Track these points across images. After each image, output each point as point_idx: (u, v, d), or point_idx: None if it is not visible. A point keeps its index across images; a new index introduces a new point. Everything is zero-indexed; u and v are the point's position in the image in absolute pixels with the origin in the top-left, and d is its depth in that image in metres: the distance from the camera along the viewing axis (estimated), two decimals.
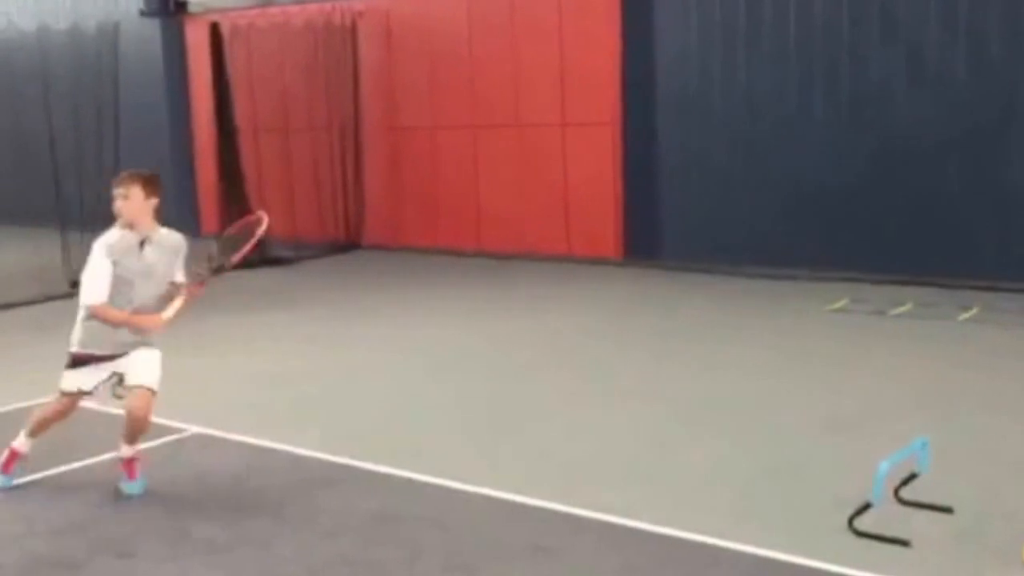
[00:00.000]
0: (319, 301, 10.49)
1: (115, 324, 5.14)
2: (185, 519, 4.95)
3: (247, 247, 5.54)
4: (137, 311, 5.16)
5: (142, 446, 5.38)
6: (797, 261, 10.57)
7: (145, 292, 5.19)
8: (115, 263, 5.11)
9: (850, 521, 4.47)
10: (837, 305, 9.20)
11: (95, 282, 5.13)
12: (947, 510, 4.65)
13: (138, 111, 14.57)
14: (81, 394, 5.31)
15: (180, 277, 5.38)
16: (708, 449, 5.72)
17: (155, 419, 6.38)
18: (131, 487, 5.30)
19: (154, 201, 5.23)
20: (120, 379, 5.26)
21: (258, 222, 5.63)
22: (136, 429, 5.28)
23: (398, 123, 13.49)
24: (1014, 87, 9.61)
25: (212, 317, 9.86)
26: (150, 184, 5.23)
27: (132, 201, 5.16)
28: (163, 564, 4.49)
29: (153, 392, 5.22)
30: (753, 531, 4.53)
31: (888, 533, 4.38)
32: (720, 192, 11.28)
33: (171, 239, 5.35)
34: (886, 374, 7.17)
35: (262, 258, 12.76)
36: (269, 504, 5.11)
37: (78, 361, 5.24)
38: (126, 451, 5.32)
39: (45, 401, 5.48)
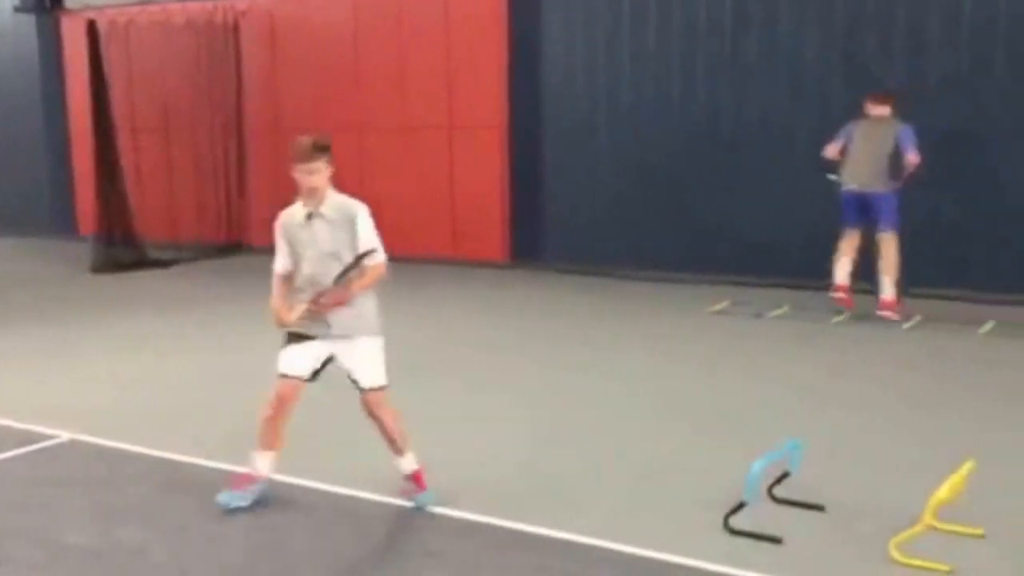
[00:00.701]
0: (197, 304, 10.27)
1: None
2: (57, 526, 4.78)
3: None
4: (316, 291, 4.81)
5: (8, 453, 5.17)
6: (680, 265, 10.78)
7: (319, 269, 4.82)
8: (288, 239, 4.91)
9: (725, 520, 4.56)
10: (718, 307, 9.41)
11: (276, 253, 5.00)
12: (819, 508, 4.78)
13: (13, 109, 14.05)
14: (294, 381, 4.87)
15: (364, 249, 4.80)
16: (588, 450, 5.77)
17: (24, 425, 6.23)
18: (423, 498, 4.93)
19: (332, 168, 4.89)
20: (329, 360, 4.89)
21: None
22: (385, 434, 4.95)
23: (282, 124, 13.29)
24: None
25: (86, 320, 9.56)
26: (330, 150, 4.87)
27: (323, 175, 4.82)
28: (35, 571, 4.34)
29: (381, 389, 4.91)
30: (631, 531, 4.59)
31: (762, 531, 4.49)
32: (605, 196, 11.44)
33: (346, 208, 4.86)
34: (762, 375, 7.36)
35: (139, 260, 12.47)
36: (142, 510, 4.97)
37: (290, 338, 4.92)
38: (404, 465, 4.99)
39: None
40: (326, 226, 4.84)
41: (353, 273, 4.79)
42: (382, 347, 4.94)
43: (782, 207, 10.34)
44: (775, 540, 4.44)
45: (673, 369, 7.56)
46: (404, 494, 4.98)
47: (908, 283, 9.03)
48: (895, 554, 4.26)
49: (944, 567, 4.15)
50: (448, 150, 12.27)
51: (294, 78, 13.15)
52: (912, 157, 8.52)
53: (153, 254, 12.58)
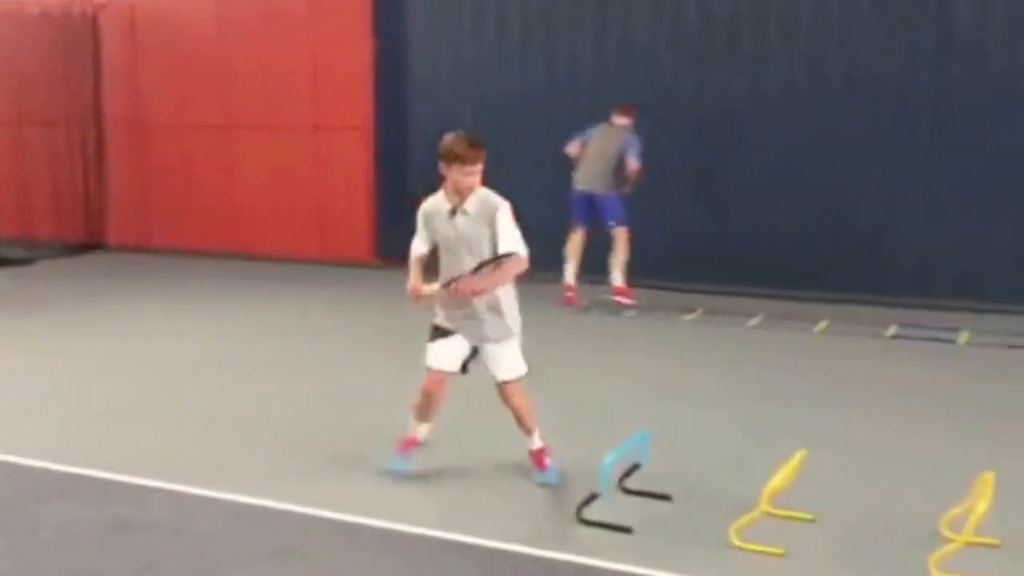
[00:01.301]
0: (51, 304, 10.00)
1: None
2: None
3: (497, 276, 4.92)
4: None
5: None
6: (548, 265, 10.98)
7: (458, 264, 4.93)
8: (429, 229, 5.05)
9: (578, 512, 4.77)
10: (582, 304, 9.68)
11: (416, 236, 5.12)
12: (666, 498, 5.05)
13: None
14: (443, 375, 5.10)
15: (506, 247, 4.87)
16: (434, 448, 5.90)
17: None
18: (545, 477, 5.19)
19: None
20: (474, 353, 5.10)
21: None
22: (520, 419, 5.19)
23: (145, 120, 13.02)
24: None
25: None
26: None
27: (480, 174, 4.94)
28: None
29: (517, 380, 5.13)
30: (486, 525, 4.75)
31: (613, 521, 4.72)
32: None
33: (487, 204, 4.95)
34: (617, 369, 7.65)
35: None
36: None
37: (435, 332, 5.10)
38: (532, 443, 5.24)
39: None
40: (467, 221, 4.94)
41: (488, 268, 4.89)
42: (518, 344, 5.19)
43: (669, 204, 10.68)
44: (625, 530, 4.67)
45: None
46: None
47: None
48: (734, 540, 4.54)
49: (778, 550, 4.45)
50: (314, 150, 12.25)
51: (156, 73, 12.89)
52: (632, 164, 9.30)
53: (4, 252, 12.17)
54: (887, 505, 5.01)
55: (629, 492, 5.08)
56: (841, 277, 10.07)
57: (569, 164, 9.69)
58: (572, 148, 9.65)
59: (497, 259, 4.87)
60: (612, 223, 9.54)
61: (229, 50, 12.45)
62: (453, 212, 4.97)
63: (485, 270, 4.87)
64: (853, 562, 4.42)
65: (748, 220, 10.34)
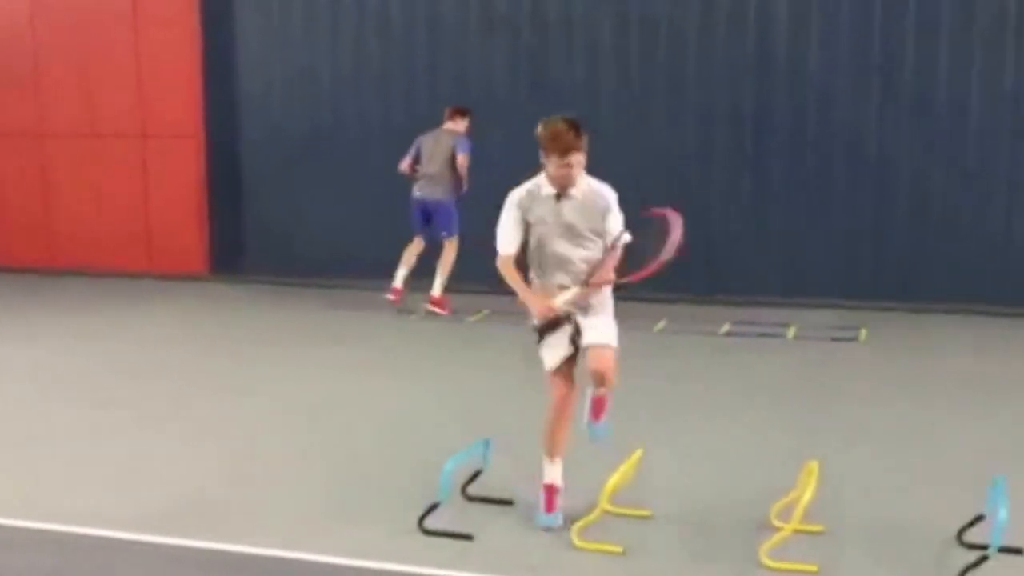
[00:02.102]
0: None
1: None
2: None
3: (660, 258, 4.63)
4: (560, 281, 4.65)
5: None
6: (383, 273, 10.91)
7: (566, 251, 4.63)
8: (527, 215, 4.65)
9: (419, 521, 4.72)
10: (421, 314, 9.64)
11: (502, 230, 4.70)
12: (508, 503, 5.05)
13: None
14: (564, 374, 4.71)
15: (614, 239, 4.63)
16: (281, 458, 5.78)
17: None
18: (596, 431, 4.82)
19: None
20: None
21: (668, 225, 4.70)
22: (601, 383, 4.73)
23: None
24: None
25: None
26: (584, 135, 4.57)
27: (583, 163, 4.58)
28: None
29: (612, 348, 4.70)
30: (324, 540, 4.65)
31: (455, 529, 4.69)
32: (305, 205, 11.40)
33: (598, 194, 4.64)
34: (458, 376, 7.64)
35: None
36: None
37: (539, 331, 4.73)
38: (596, 391, 4.76)
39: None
40: (575, 208, 4.65)
41: (607, 256, 4.66)
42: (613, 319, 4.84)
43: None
44: (467, 537, 4.65)
45: (370, 377, 7.68)
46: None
47: None
48: (576, 540, 4.58)
49: (617, 548, 4.51)
50: (141, 160, 11.80)
51: None
52: (461, 159, 9.37)
53: None
54: (721, 498, 5.16)
55: (471, 499, 5.07)
56: (676, 279, 10.32)
57: (408, 179, 9.67)
58: (404, 165, 9.67)
59: (615, 243, 4.68)
60: (444, 234, 9.61)
61: (44, 52, 11.87)
62: (558, 197, 4.65)
63: (606, 257, 4.67)
64: (690, 555, 4.53)
65: None
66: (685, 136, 10.33)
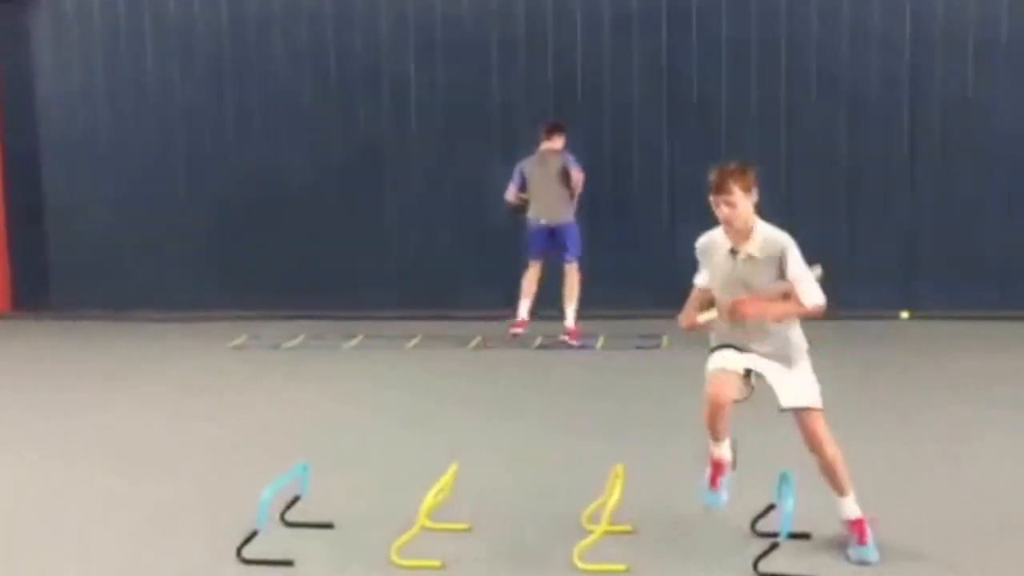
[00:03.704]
0: None
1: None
2: None
3: None
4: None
5: None
6: (195, 303, 10.72)
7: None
8: (708, 264, 4.60)
9: (239, 550, 4.70)
10: (236, 342, 9.51)
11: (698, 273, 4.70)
12: (328, 526, 5.08)
13: None
14: (727, 375, 4.44)
15: (804, 294, 4.41)
16: (98, 493, 5.62)
17: None
18: (863, 552, 4.49)
19: (754, 197, 4.44)
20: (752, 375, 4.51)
21: None
22: (825, 467, 4.55)
23: None
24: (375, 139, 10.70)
25: None
26: (749, 175, 4.44)
27: (740, 207, 4.40)
28: None
29: (815, 409, 4.48)
30: (142, 573, 4.58)
31: (274, 556, 4.69)
32: (112, 237, 11.07)
33: (773, 244, 4.43)
34: (275, 403, 7.60)
35: None
36: None
37: (718, 347, 4.60)
38: (843, 509, 4.55)
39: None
40: (751, 265, 4.49)
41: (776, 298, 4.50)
42: (812, 370, 4.59)
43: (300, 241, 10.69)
44: (287, 563, 4.65)
45: (184, 407, 7.55)
46: (844, 540, 4.61)
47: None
48: (395, 558, 4.66)
49: (435, 563, 4.62)
50: None
51: None
52: (577, 175, 9.15)
53: None
54: (536, 506, 5.33)
55: (290, 525, 5.07)
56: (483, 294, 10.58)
57: (516, 210, 9.35)
58: (509, 194, 9.30)
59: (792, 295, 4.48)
60: (569, 256, 9.30)
61: None
62: (733, 252, 4.52)
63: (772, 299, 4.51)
64: (507, 564, 4.67)
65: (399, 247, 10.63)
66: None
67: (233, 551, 4.70)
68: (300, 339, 9.61)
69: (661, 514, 5.15)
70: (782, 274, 4.44)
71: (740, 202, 4.43)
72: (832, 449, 4.55)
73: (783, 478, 4.66)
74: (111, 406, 7.60)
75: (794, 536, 4.54)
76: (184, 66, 10.89)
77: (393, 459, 6.24)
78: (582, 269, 9.35)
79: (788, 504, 4.44)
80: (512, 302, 9.47)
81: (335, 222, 10.77)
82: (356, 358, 9.05)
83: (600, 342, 9.28)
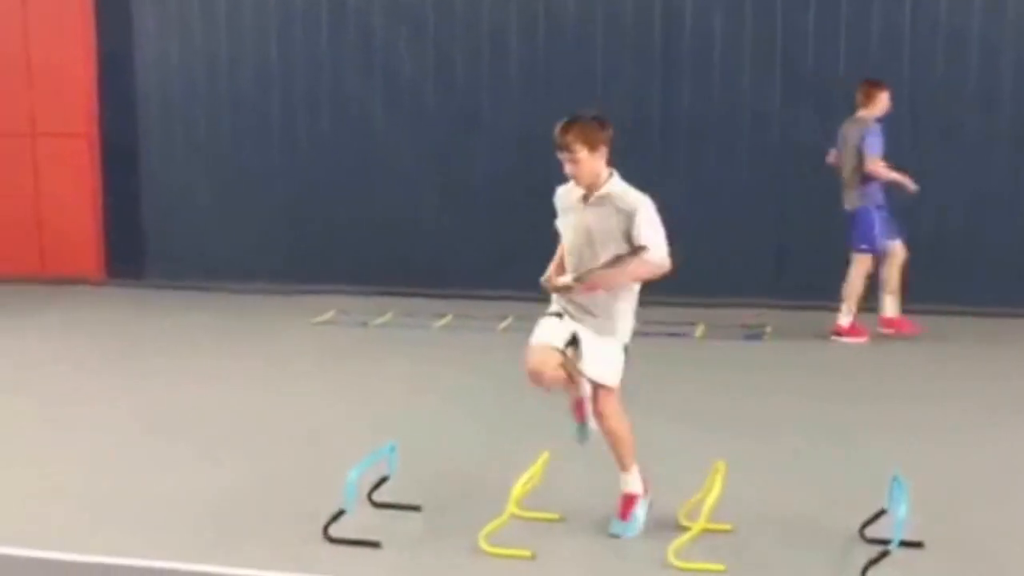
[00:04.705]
0: None
1: None
2: None
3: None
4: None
5: None
6: (285, 276, 10.74)
7: (579, 258, 4.56)
8: (560, 215, 4.66)
9: (325, 529, 4.62)
10: (323, 318, 9.48)
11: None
12: (415, 508, 4.98)
13: None
14: (543, 349, 4.50)
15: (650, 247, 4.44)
16: (184, 469, 5.60)
17: None
18: (620, 527, 4.69)
19: (603, 151, 4.46)
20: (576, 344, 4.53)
21: None
22: (608, 440, 4.72)
23: None
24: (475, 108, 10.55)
25: None
26: (597, 133, 4.46)
27: (584, 162, 4.44)
28: None
29: (606, 387, 4.57)
30: (228, 551, 4.52)
31: (362, 537, 4.60)
32: (206, 208, 11.13)
33: (624, 199, 4.47)
34: (361, 381, 7.52)
35: None
36: None
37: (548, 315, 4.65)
38: (622, 482, 4.73)
39: None
40: (596, 214, 4.53)
41: (620, 263, 4.51)
42: (620, 350, 4.65)
43: (393, 217, 10.61)
44: (374, 544, 4.57)
45: (271, 383, 7.52)
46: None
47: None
48: (484, 545, 4.53)
49: (526, 553, 4.48)
50: (32, 159, 11.38)
51: None
52: (870, 162, 7.98)
53: None
54: None
55: (377, 505, 4.98)
56: None
57: (836, 175, 8.45)
58: (830, 157, 8.45)
59: (634, 252, 4.48)
60: (859, 246, 8.33)
61: None
62: (584, 199, 4.58)
63: (620, 264, 4.51)
64: (598, 557, 4.52)
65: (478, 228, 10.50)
66: None
67: (320, 530, 4.62)
68: (388, 316, 9.54)
69: (763, 514, 4.93)
70: (628, 233, 4.45)
71: (583, 157, 4.45)
72: (614, 425, 4.67)
73: (896, 483, 4.41)
74: (196, 378, 7.62)
75: (906, 544, 4.29)
76: (280, 37, 10.85)
77: (481, 444, 6.11)
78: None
79: (900, 510, 4.20)
80: None
81: (428, 195, 10.65)
82: (445, 338, 8.94)
83: (700, 331, 9.02)
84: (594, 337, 4.57)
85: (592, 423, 4.68)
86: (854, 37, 9.84)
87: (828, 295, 8.78)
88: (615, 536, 4.67)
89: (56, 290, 10.91)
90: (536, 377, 4.57)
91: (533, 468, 4.82)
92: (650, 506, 4.84)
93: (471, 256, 10.50)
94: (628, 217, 4.46)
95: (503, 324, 9.21)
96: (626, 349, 4.70)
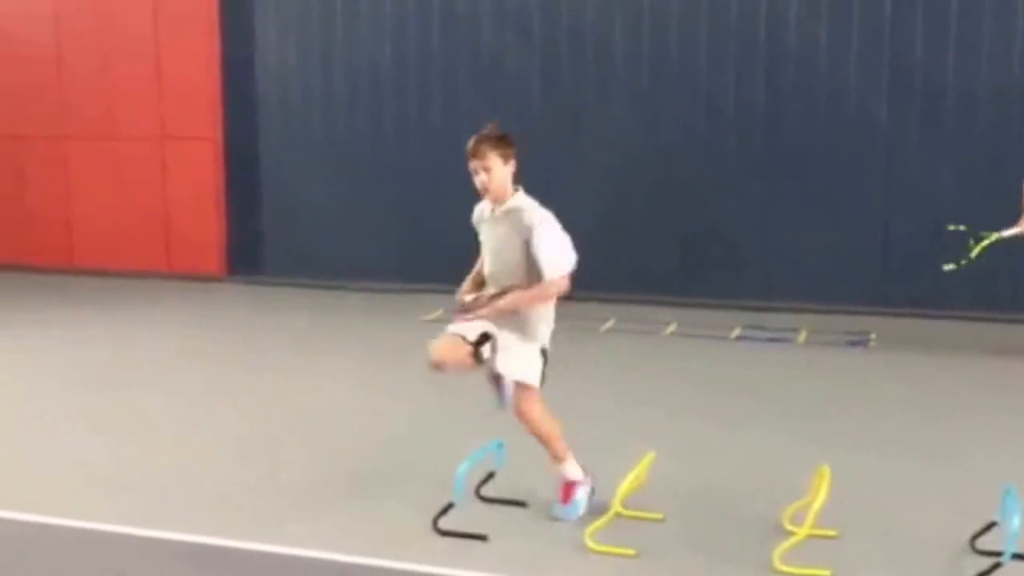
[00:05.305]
0: None
1: None
2: None
3: None
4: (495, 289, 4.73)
5: None
6: (396, 274, 11.00)
7: (492, 269, 4.78)
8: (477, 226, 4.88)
9: (434, 522, 4.76)
10: (432, 316, 9.67)
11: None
12: (522, 504, 5.09)
13: None
14: (453, 340, 4.63)
15: (544, 269, 4.59)
16: (298, 461, 5.81)
17: None
18: (560, 510, 4.93)
19: (512, 165, 4.66)
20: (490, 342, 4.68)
21: None
22: (540, 440, 4.89)
23: None
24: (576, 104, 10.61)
25: None
26: (503, 145, 4.65)
27: (493, 172, 4.61)
28: None
29: (524, 385, 4.73)
30: (340, 540, 4.69)
31: (469, 530, 4.73)
32: (322, 206, 11.46)
33: (524, 215, 4.64)
34: (472, 379, 7.62)
35: None
36: None
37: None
38: (562, 470, 4.92)
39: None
40: (499, 228, 4.74)
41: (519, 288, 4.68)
42: (538, 352, 4.81)
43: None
44: (481, 538, 4.69)
45: (381, 379, 7.72)
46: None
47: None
48: (589, 543, 4.61)
49: (630, 551, 4.54)
50: (161, 160, 11.89)
51: None
52: None
53: None
54: (732, 501, 5.17)
55: (485, 500, 5.10)
56: (687, 281, 10.36)
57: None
58: None
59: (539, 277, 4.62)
60: None
61: (67, 55, 11.99)
62: (492, 212, 4.78)
63: (518, 288, 4.68)
64: (702, 558, 4.54)
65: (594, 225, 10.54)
66: (695, 137, 10.34)
67: (429, 522, 4.76)
68: None
69: (869, 521, 4.90)
70: (529, 248, 4.56)
71: (496, 168, 4.59)
72: (536, 425, 4.83)
73: (1009, 495, 4.34)
74: (310, 373, 7.87)
75: (1018, 557, 4.21)
76: (394, 37, 11.10)
77: (586, 440, 6.15)
78: None
79: (1013, 522, 4.12)
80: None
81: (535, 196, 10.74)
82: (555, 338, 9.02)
83: (802, 336, 8.93)
84: (512, 338, 4.71)
85: (508, 391, 4.78)
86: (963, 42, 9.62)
87: (933, 304, 8.63)
88: (557, 519, 4.88)
89: (181, 286, 11.40)
90: (438, 365, 4.67)
91: (638, 468, 4.88)
92: (592, 492, 4.97)
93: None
94: (528, 234, 4.59)
95: (605, 326, 9.28)
96: (544, 352, 4.82)
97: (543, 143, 10.62)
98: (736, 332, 9.09)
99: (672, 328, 9.25)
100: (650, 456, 5.03)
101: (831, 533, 4.69)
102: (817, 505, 4.48)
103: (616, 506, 4.80)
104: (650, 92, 10.41)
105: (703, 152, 10.32)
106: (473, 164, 4.65)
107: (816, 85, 9.98)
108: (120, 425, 6.51)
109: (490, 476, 5.16)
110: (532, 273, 4.65)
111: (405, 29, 11.08)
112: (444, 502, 4.78)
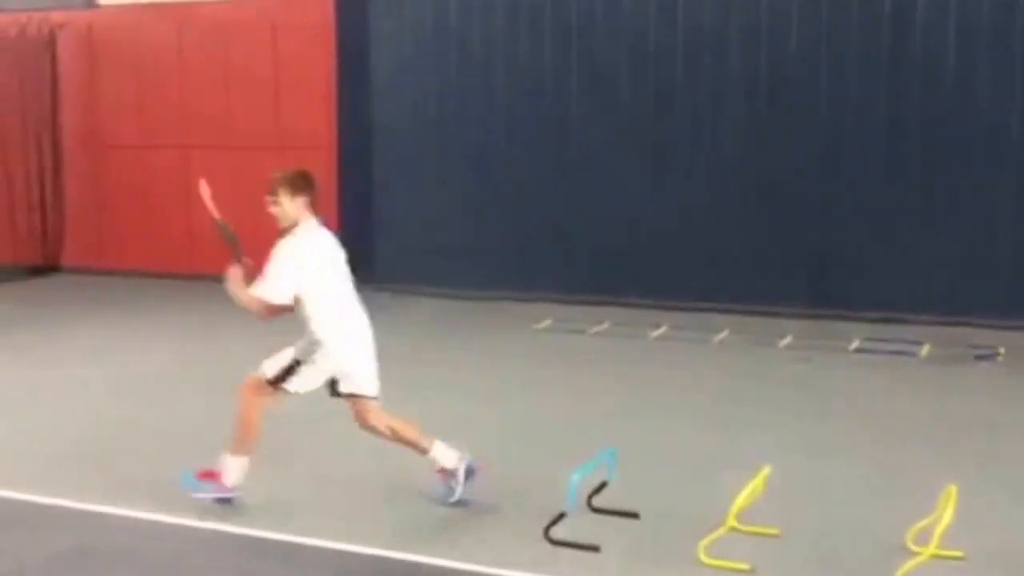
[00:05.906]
0: (4, 329, 9.83)
1: None
2: None
3: None
4: None
5: None
6: (506, 284, 11.03)
7: None
8: None
9: (546, 531, 4.75)
10: (542, 325, 9.68)
11: None
12: (634, 515, 5.04)
13: None
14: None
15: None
16: (416, 467, 5.86)
17: None
18: (187, 482, 5.17)
19: (303, 200, 5.23)
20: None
21: None
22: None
23: (103, 140, 12.87)
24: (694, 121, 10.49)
25: None
26: (292, 184, 5.26)
27: (280, 206, 5.26)
28: None
29: (261, 377, 5.18)
30: (453, 545, 4.73)
31: (581, 540, 4.70)
32: (435, 215, 11.56)
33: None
34: (578, 387, 7.64)
35: None
36: None
37: None
38: (221, 463, 5.14)
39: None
40: None
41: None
42: (291, 355, 5.23)
43: (617, 222, 10.71)
44: (593, 548, 4.66)
45: (496, 386, 7.75)
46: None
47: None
48: (703, 556, 4.54)
49: (745, 566, 4.45)
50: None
51: (116, 93, 12.75)
52: None
53: None
54: (852, 519, 5.04)
55: (597, 510, 5.07)
56: (804, 292, 10.13)
57: None
58: None
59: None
60: None
61: (191, 67, 12.38)
62: None
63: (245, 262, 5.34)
64: (816, 575, 4.43)
65: (704, 237, 10.41)
66: (812, 147, 10.12)
67: (539, 531, 4.75)
68: (606, 325, 9.64)
69: (996, 544, 4.70)
70: None
71: (285, 203, 5.21)
72: (242, 408, 5.12)
73: None
74: (425, 382, 7.88)
75: None
76: (509, 56, 11.16)
77: (697, 454, 6.10)
78: None
79: None
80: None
81: (646, 208, 10.67)
82: (659, 348, 8.96)
83: (926, 350, 8.65)
84: (300, 348, 5.25)
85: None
86: None
87: None
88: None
89: None
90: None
91: (754, 482, 4.78)
92: (234, 500, 5.09)
93: (687, 266, 10.47)
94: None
95: (718, 337, 9.15)
96: (298, 362, 5.18)
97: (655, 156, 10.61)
98: (855, 344, 8.85)
99: (787, 340, 9.05)
100: (766, 470, 4.93)
101: (957, 554, 4.52)
102: (942, 525, 4.33)
103: (730, 520, 4.71)
104: (768, 102, 10.22)
105: (825, 160, 10.08)
106: (268, 199, 5.24)
107: (943, 95, 9.66)
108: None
109: (602, 486, 5.13)
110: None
111: (516, 46, 11.10)
112: (554, 511, 4.76)
